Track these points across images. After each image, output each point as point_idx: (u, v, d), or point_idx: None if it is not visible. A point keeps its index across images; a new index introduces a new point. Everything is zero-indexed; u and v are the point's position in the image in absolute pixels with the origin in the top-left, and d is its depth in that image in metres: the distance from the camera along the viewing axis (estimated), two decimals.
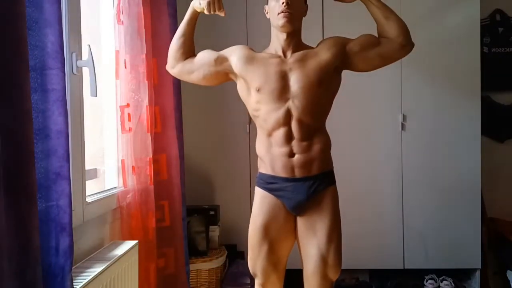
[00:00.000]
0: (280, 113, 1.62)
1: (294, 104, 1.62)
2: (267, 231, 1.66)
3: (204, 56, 1.75)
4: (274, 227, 1.66)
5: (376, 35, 1.69)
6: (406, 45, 1.65)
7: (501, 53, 3.10)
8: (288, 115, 1.62)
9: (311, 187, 1.64)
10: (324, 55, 1.65)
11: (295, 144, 1.63)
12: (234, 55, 1.71)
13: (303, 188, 1.64)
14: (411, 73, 2.84)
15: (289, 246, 1.71)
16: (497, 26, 3.11)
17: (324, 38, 1.76)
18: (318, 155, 1.65)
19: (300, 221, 1.67)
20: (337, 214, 1.70)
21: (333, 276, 1.67)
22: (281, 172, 1.65)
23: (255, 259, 1.69)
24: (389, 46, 1.65)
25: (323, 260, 1.64)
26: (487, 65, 2.97)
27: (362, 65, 1.70)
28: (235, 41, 2.60)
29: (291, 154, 1.63)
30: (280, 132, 1.63)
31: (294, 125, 1.62)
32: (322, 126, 1.71)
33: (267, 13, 1.71)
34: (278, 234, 1.67)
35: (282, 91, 1.62)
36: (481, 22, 2.84)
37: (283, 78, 1.63)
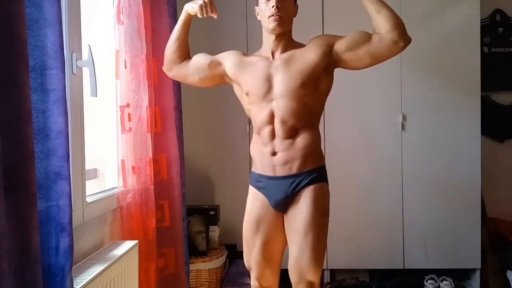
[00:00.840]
0: (264, 113, 1.67)
1: (277, 105, 1.65)
2: (258, 226, 1.71)
3: (199, 60, 1.81)
4: (265, 223, 1.70)
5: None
6: (398, 41, 1.55)
7: (501, 53, 3.09)
8: (271, 115, 1.66)
9: (291, 185, 1.65)
10: (310, 55, 1.65)
11: (277, 142, 1.66)
12: (227, 60, 1.77)
13: (283, 186, 1.66)
14: (411, 73, 2.84)
15: (281, 243, 1.73)
16: (497, 26, 3.11)
17: (317, 35, 1.74)
18: (299, 154, 1.65)
19: (285, 218, 1.70)
20: (319, 213, 1.64)
21: (311, 277, 1.63)
22: (265, 171, 1.70)
23: (249, 253, 1.74)
24: (379, 43, 1.58)
25: (298, 261, 1.63)
26: (487, 65, 2.97)
27: (353, 64, 1.66)
28: (235, 41, 2.61)
29: (273, 153, 1.67)
30: (266, 131, 1.67)
31: (277, 125, 1.65)
32: (309, 126, 1.68)
33: (257, 14, 1.73)
34: (269, 230, 1.70)
35: (267, 93, 1.66)
36: (481, 22, 2.84)
37: (268, 80, 1.66)
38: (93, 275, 1.37)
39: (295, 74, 1.63)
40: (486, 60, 2.98)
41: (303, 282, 1.64)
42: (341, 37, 1.67)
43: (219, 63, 1.78)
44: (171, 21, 2.22)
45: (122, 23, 1.88)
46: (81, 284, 1.31)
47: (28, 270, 1.04)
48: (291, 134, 1.65)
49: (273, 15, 1.61)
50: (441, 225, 2.82)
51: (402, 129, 2.84)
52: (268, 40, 1.70)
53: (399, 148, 2.84)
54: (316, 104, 1.71)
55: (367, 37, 1.62)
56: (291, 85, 1.63)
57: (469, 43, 2.80)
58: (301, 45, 1.72)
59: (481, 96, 2.83)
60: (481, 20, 2.84)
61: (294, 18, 1.72)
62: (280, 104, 1.64)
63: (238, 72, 1.73)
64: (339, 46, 1.64)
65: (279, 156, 1.66)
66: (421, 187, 2.83)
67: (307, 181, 1.65)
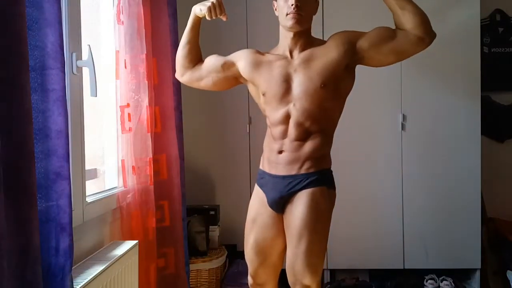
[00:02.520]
0: (280, 114, 1.63)
1: (294, 107, 1.61)
2: (253, 224, 1.70)
3: (211, 63, 1.76)
4: (259, 222, 1.69)
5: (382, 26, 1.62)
6: (424, 37, 1.52)
7: (501, 53, 3.10)
8: (287, 116, 1.63)
9: (287, 186, 1.62)
10: (332, 53, 1.60)
11: (286, 141, 1.64)
12: (241, 60, 1.71)
13: (280, 186, 1.64)
14: (411, 73, 2.84)
15: (278, 244, 1.69)
16: (497, 26, 3.11)
17: (336, 32, 1.67)
18: (305, 156, 1.62)
19: (284, 220, 1.66)
20: (314, 217, 1.58)
21: (306, 281, 1.58)
22: (268, 168, 1.68)
23: (244, 249, 1.74)
24: (404, 40, 1.54)
25: (292, 264, 1.60)
26: (487, 65, 2.97)
27: (376, 61, 1.63)
28: (236, 42, 2.61)
29: (280, 151, 1.65)
30: (278, 129, 1.65)
31: (291, 126, 1.63)
32: (323, 130, 1.65)
33: (275, 9, 1.67)
34: (263, 230, 1.68)
35: (284, 94, 1.62)
36: (481, 22, 2.83)
37: (287, 81, 1.62)
38: (93, 275, 1.37)
39: (316, 75, 1.58)
40: (486, 60, 2.98)
41: (299, 284, 1.60)
42: (363, 33, 1.61)
43: (232, 64, 1.73)
44: (171, 21, 2.22)
45: (122, 23, 1.88)
46: (81, 284, 1.31)
47: (28, 270, 1.04)
48: (303, 136, 1.62)
49: (291, 13, 1.55)
50: (441, 225, 2.82)
51: (402, 129, 2.84)
52: (286, 38, 1.64)
53: (399, 148, 2.84)
54: (335, 109, 1.68)
55: (391, 33, 1.57)
56: (311, 86, 1.58)
57: (469, 43, 2.80)
58: (320, 42, 1.67)
59: (481, 96, 2.82)
60: (481, 20, 2.83)
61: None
62: (298, 106, 1.60)
63: (254, 72, 1.67)
64: (362, 43, 1.59)
65: (284, 155, 1.63)
66: (421, 187, 2.83)
67: (304, 183, 1.60)
